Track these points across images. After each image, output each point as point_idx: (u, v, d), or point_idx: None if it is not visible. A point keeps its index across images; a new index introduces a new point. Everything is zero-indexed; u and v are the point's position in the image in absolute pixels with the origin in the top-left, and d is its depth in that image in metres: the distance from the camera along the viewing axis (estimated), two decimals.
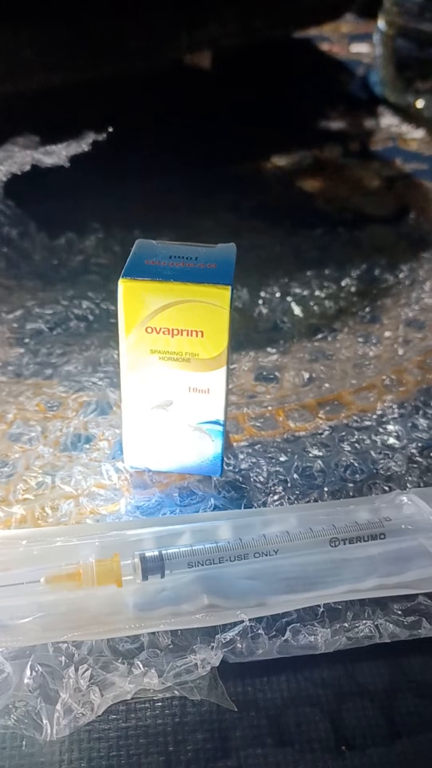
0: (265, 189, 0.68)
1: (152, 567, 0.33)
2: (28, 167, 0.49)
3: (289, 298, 0.54)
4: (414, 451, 0.42)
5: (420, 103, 0.79)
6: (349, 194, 0.68)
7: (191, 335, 0.35)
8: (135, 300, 0.34)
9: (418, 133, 0.78)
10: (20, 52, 0.58)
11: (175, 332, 0.35)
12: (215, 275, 0.34)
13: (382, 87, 0.84)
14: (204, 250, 0.36)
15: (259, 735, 0.30)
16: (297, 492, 0.39)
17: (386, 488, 0.40)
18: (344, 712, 0.31)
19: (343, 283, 0.56)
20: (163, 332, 0.35)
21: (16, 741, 0.29)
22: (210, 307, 0.34)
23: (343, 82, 0.89)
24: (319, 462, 0.41)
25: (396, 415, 0.44)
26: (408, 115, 0.80)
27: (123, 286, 0.34)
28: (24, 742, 0.29)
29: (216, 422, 0.37)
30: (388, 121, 0.80)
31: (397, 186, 0.69)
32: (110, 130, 0.49)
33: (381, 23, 0.81)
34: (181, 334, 0.35)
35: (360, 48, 0.95)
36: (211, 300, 0.34)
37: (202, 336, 0.35)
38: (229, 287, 0.34)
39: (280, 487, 0.40)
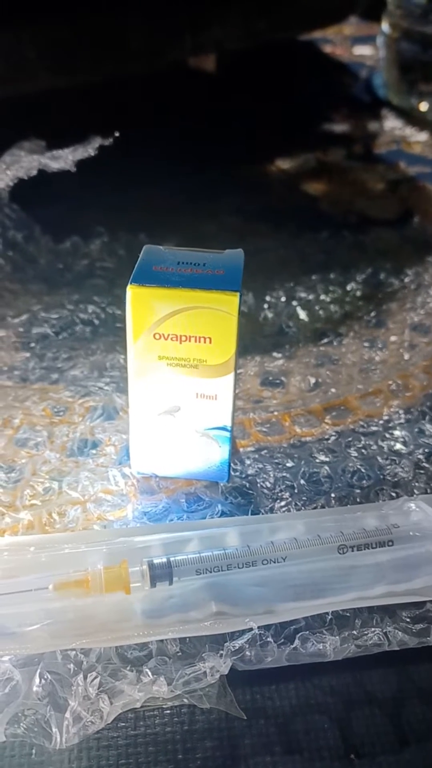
0: (269, 192, 0.68)
1: (160, 574, 0.33)
2: (34, 172, 0.49)
3: (294, 303, 0.54)
4: (421, 456, 0.42)
5: (424, 106, 0.79)
6: (353, 197, 0.68)
7: (199, 341, 0.35)
8: (143, 306, 0.34)
9: (422, 136, 0.78)
10: (23, 54, 0.58)
11: (183, 338, 0.35)
12: (223, 282, 0.34)
13: (385, 90, 0.84)
14: (212, 256, 0.36)
15: (268, 743, 0.30)
16: (304, 498, 0.39)
17: (393, 494, 0.40)
18: (353, 719, 0.31)
19: (348, 288, 0.56)
20: (171, 338, 0.35)
21: (25, 749, 0.29)
22: (218, 314, 0.34)
23: (347, 85, 0.89)
24: (326, 468, 0.41)
25: (402, 421, 0.44)
26: (412, 117, 0.80)
27: (131, 292, 0.34)
28: (33, 751, 0.29)
29: (223, 428, 0.37)
30: (391, 123, 0.80)
31: (401, 189, 0.69)
32: (116, 134, 0.49)
33: (384, 26, 0.81)
34: (189, 341, 0.35)
35: (363, 50, 0.95)
36: (219, 306, 0.34)
37: (210, 342, 0.35)
38: (238, 294, 0.34)
39: (287, 493, 0.39)
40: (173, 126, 0.75)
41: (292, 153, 0.74)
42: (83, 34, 0.58)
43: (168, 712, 0.31)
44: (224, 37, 0.67)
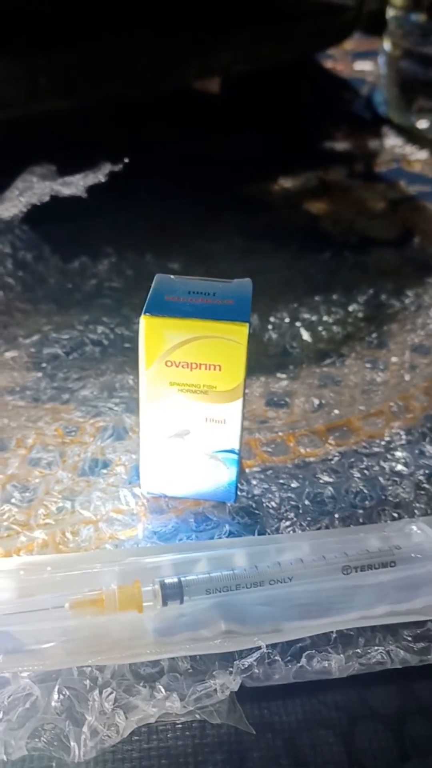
0: (272, 211, 0.70)
1: (172, 593, 0.34)
2: (47, 198, 0.51)
3: (297, 323, 0.55)
4: (421, 477, 0.43)
5: (424, 124, 0.81)
6: (354, 217, 0.69)
7: (209, 369, 0.36)
8: (156, 335, 0.35)
9: (422, 155, 0.79)
10: (34, 81, 0.59)
11: (194, 366, 0.36)
12: (233, 312, 0.36)
13: (386, 107, 0.85)
14: (221, 286, 0.38)
15: (275, 756, 0.31)
16: (309, 518, 0.41)
17: (395, 515, 0.41)
18: (357, 735, 0.32)
19: (350, 308, 0.57)
20: (183, 366, 0.36)
21: (44, 762, 0.31)
22: (228, 343, 0.35)
23: (348, 101, 0.90)
24: (330, 488, 0.42)
25: (403, 442, 0.46)
26: (412, 136, 0.82)
27: (145, 322, 0.35)
28: (53, 764, 0.30)
29: (231, 451, 0.39)
30: (392, 142, 0.81)
31: (402, 208, 0.70)
32: (126, 160, 0.50)
33: (386, 44, 0.83)
34: (200, 368, 0.36)
35: (364, 66, 0.96)
36: (229, 336, 0.35)
37: (220, 370, 0.36)
38: (247, 324, 0.35)
39: (293, 513, 0.41)
40: (178, 147, 0.76)
41: (294, 171, 0.75)
42: (93, 60, 0.60)
43: (180, 726, 0.32)
44: (231, 60, 0.69)
